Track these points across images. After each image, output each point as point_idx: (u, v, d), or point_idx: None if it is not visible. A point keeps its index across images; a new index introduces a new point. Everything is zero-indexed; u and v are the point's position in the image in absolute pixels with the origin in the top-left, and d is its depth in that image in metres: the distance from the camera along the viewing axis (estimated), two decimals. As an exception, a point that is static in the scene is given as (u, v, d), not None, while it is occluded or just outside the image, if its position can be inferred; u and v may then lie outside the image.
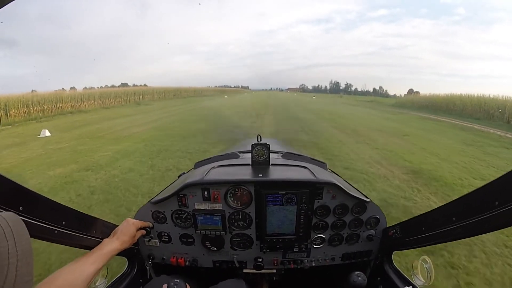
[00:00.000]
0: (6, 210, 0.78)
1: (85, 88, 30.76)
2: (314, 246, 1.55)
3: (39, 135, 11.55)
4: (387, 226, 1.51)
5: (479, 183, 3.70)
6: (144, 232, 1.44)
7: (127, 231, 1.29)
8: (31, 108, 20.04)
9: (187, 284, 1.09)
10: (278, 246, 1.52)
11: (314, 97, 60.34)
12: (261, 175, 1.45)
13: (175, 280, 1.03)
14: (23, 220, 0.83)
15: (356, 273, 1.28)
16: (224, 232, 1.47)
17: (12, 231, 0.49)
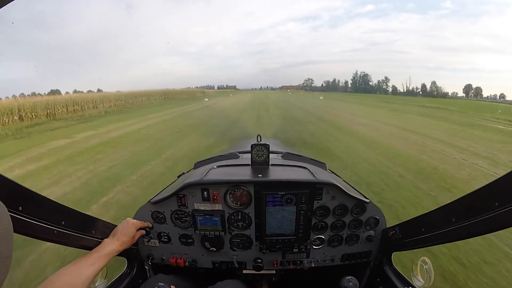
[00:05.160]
0: None
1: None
2: (314, 246, 1.55)
3: None
4: (387, 226, 1.51)
5: None
6: (143, 232, 1.44)
7: (126, 231, 1.29)
8: None
9: (172, 287, 1.13)
10: (277, 246, 1.51)
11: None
12: (260, 175, 1.45)
13: (160, 284, 1.11)
14: (23, 220, 0.83)
15: (347, 278, 1.28)
16: (223, 233, 1.47)
17: None
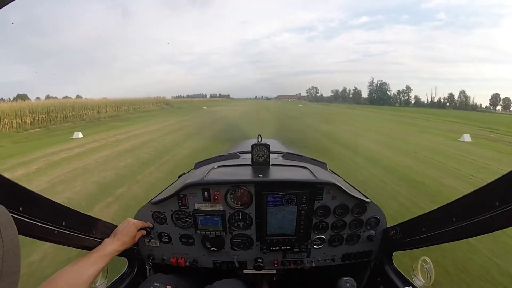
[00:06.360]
0: None
1: None
2: (314, 246, 1.55)
3: None
4: (388, 226, 1.51)
5: None
6: (144, 232, 1.44)
7: (127, 231, 1.29)
8: None
9: (167, 287, 1.13)
10: (278, 246, 1.51)
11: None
12: (261, 175, 1.45)
13: (155, 284, 1.12)
14: (23, 220, 0.83)
15: (345, 279, 1.29)
16: (224, 233, 1.47)
17: None
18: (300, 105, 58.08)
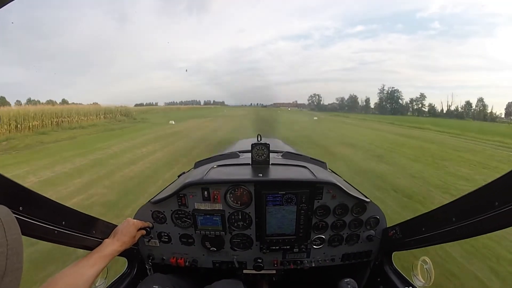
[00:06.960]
0: None
1: None
2: (314, 246, 1.55)
3: None
4: (387, 226, 1.51)
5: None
6: (144, 232, 1.44)
7: (127, 231, 1.29)
8: None
9: None
10: (278, 246, 1.51)
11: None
12: (261, 175, 1.45)
13: (154, 286, 1.14)
14: (23, 220, 0.83)
15: (346, 280, 1.29)
16: (224, 232, 1.47)
17: (2, 222, 0.52)
18: (315, 117, 38.03)
